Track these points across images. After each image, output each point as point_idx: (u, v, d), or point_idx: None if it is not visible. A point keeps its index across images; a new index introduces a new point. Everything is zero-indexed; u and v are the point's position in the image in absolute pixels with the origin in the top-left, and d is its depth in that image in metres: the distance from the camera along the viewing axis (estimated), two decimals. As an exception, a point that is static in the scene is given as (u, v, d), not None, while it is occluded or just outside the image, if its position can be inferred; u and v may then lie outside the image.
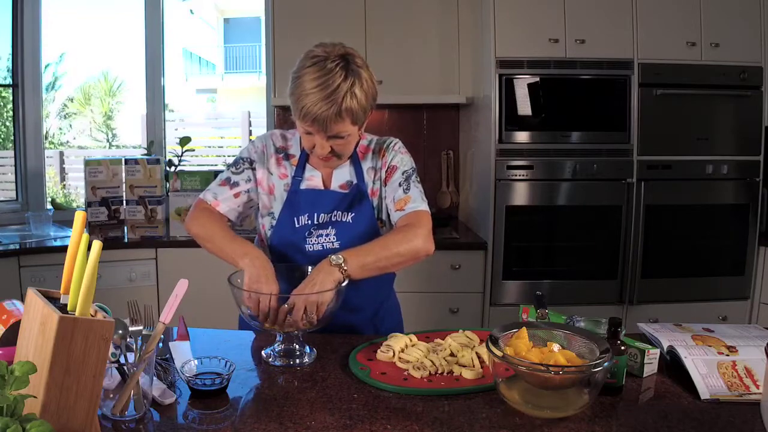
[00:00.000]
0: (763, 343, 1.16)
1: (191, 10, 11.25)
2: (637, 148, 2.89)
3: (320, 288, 1.29)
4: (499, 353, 1.08)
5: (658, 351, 1.29)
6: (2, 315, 1.08)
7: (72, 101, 9.22)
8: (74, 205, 4.03)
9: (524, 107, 2.88)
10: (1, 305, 1.12)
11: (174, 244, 3.00)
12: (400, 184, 1.52)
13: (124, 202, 3.06)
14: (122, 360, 1.08)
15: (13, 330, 1.02)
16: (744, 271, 3.00)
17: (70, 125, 8.96)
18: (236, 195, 1.55)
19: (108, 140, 9.24)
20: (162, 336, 1.20)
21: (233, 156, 1.77)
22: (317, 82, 1.34)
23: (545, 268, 2.99)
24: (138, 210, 3.04)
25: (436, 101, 3.36)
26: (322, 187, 1.55)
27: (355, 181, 1.54)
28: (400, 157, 1.56)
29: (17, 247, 2.83)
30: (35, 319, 0.90)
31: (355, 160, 1.56)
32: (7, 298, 1.15)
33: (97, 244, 0.90)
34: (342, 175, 1.55)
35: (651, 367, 1.27)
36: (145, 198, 3.04)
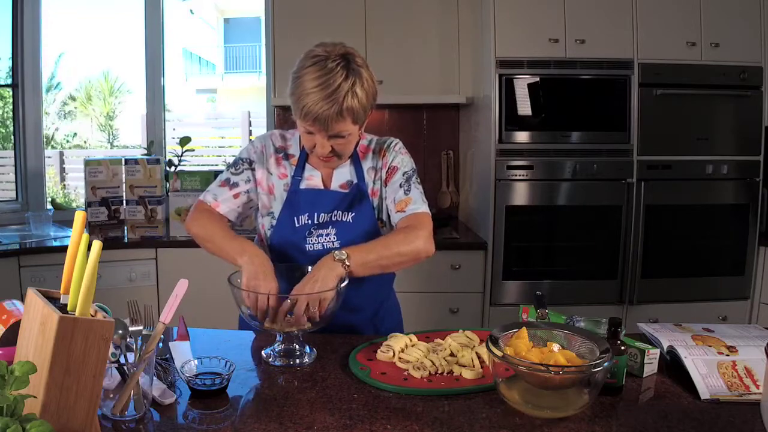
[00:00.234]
0: (763, 343, 1.16)
1: (191, 10, 11.25)
2: (637, 148, 2.89)
3: (322, 284, 1.29)
4: (499, 353, 1.08)
5: (658, 351, 1.29)
6: (2, 315, 1.08)
7: (74, 99, 9.22)
8: (74, 205, 4.04)
9: (524, 107, 2.88)
10: (1, 305, 1.12)
11: (174, 244, 3.00)
12: (400, 185, 1.53)
13: (124, 202, 3.06)
14: (122, 360, 1.08)
15: (13, 330, 1.02)
16: (744, 271, 3.00)
17: (74, 132, 8.96)
18: (236, 195, 1.55)
19: (109, 141, 9.25)
20: (162, 336, 1.20)
21: (233, 156, 1.77)
22: (318, 82, 1.34)
23: (545, 268, 2.99)
24: (138, 210, 3.04)
25: (436, 101, 3.36)
26: (322, 187, 1.55)
27: (355, 181, 1.55)
28: (401, 158, 1.57)
29: (17, 247, 2.83)
30: (35, 319, 0.90)
31: (356, 160, 1.56)
32: (7, 298, 1.15)
33: (97, 244, 0.90)
34: (342, 175, 1.56)
35: (651, 367, 1.27)
36: (145, 198, 3.04)
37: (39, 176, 3.46)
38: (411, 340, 1.38)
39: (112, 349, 1.03)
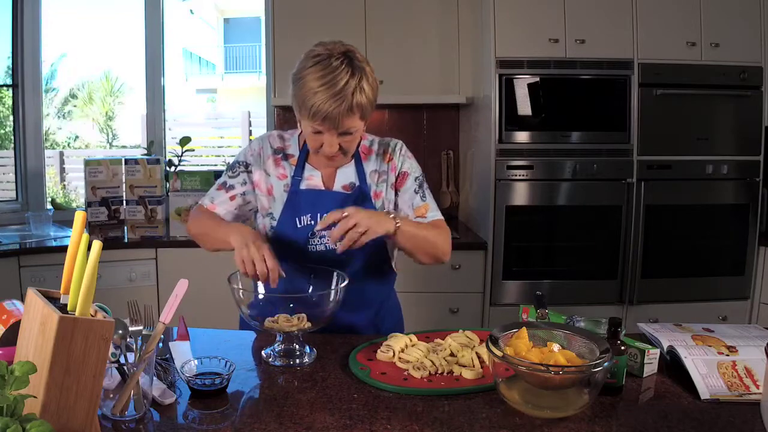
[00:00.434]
0: (763, 343, 1.16)
1: (191, 10, 11.25)
2: (637, 148, 2.89)
3: (377, 220, 1.35)
4: (499, 353, 1.08)
5: (658, 351, 1.29)
6: (2, 315, 1.08)
7: (75, 98, 9.22)
8: (74, 205, 4.03)
9: (524, 107, 2.88)
10: (1, 305, 1.12)
11: (174, 244, 3.00)
12: (415, 191, 1.58)
13: (124, 202, 3.07)
14: (122, 360, 1.08)
15: (13, 330, 1.02)
16: (744, 271, 3.00)
17: (75, 134, 8.96)
18: (232, 198, 1.58)
19: (109, 141, 9.25)
20: (162, 336, 1.20)
21: (233, 156, 1.78)
22: (324, 80, 1.34)
23: (545, 268, 2.99)
24: (138, 210, 3.04)
25: (436, 101, 3.36)
26: (323, 187, 1.55)
27: (357, 183, 1.55)
28: (410, 163, 1.60)
29: (17, 247, 2.83)
30: (35, 319, 0.90)
31: (358, 162, 1.56)
32: (7, 298, 1.15)
33: (97, 244, 0.90)
34: (345, 176, 1.56)
35: (651, 367, 1.27)
36: (145, 198, 3.04)
37: (39, 176, 3.46)
38: (411, 340, 1.38)
39: (112, 349, 1.03)
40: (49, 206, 3.53)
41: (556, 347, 1.15)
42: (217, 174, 3.14)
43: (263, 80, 3.53)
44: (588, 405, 1.09)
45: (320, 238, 1.52)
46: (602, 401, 1.14)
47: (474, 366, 1.26)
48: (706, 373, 1.20)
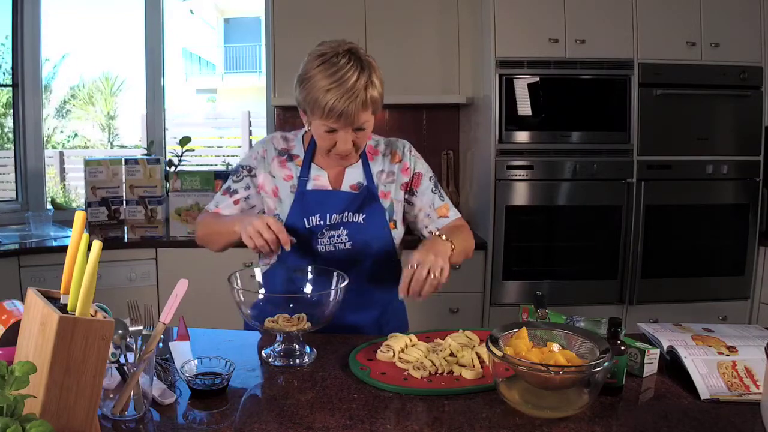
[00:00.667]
0: (763, 343, 1.16)
1: (191, 10, 11.25)
2: (637, 148, 2.89)
3: (440, 253, 1.36)
4: (499, 353, 1.08)
5: (658, 351, 1.29)
6: (2, 315, 1.08)
7: (74, 98, 9.22)
8: (74, 205, 4.03)
9: (524, 107, 2.88)
10: (1, 305, 1.12)
11: (174, 244, 3.00)
12: (432, 191, 1.62)
13: (124, 202, 3.07)
14: (122, 360, 1.08)
15: (13, 330, 1.02)
16: (744, 271, 3.00)
17: (74, 132, 8.96)
18: (236, 202, 1.59)
19: (110, 141, 9.25)
20: (162, 336, 1.20)
21: (233, 156, 1.79)
22: (334, 78, 1.35)
23: (545, 268, 2.99)
24: (138, 210, 3.04)
25: (436, 101, 3.36)
26: (330, 187, 1.55)
27: (365, 183, 1.55)
28: (421, 163, 1.64)
29: (17, 247, 2.83)
30: (35, 319, 0.90)
31: (365, 162, 1.57)
32: (7, 298, 1.15)
33: (97, 244, 0.90)
34: (352, 176, 1.56)
35: (651, 367, 1.27)
36: (145, 198, 3.04)
37: (39, 176, 3.46)
38: (411, 340, 1.38)
39: (112, 349, 1.03)
40: (49, 206, 3.52)
41: (556, 347, 1.15)
42: (217, 174, 3.15)
43: (263, 80, 3.52)
44: (588, 405, 1.09)
45: (329, 237, 1.52)
46: (602, 401, 1.14)
47: (474, 366, 1.26)
48: (706, 373, 1.20)
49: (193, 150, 3.46)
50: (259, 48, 10.47)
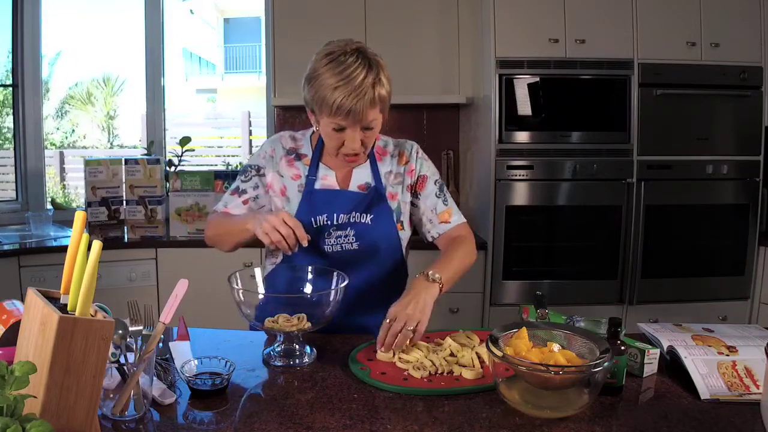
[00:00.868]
0: (763, 343, 1.16)
1: (191, 10, 11.24)
2: (637, 148, 2.89)
3: (423, 308, 1.33)
4: (499, 353, 1.08)
5: (658, 351, 1.29)
6: (2, 315, 1.08)
7: (73, 98, 9.21)
8: (74, 205, 4.03)
9: (524, 107, 2.88)
10: (1, 305, 1.12)
11: (174, 244, 3.00)
12: (437, 195, 1.60)
13: (124, 202, 3.07)
14: (122, 360, 1.08)
15: (13, 330, 1.02)
16: (744, 271, 3.00)
17: (72, 127, 8.96)
18: (244, 202, 1.59)
19: (109, 140, 9.24)
20: (162, 336, 1.20)
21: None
22: (342, 76, 1.35)
23: (545, 268, 2.99)
24: (138, 210, 3.04)
25: (436, 101, 3.36)
26: (338, 187, 1.55)
27: (373, 184, 1.55)
28: (428, 165, 1.63)
29: (17, 247, 2.83)
30: (35, 319, 0.90)
31: (373, 162, 1.57)
32: (7, 298, 1.15)
33: (97, 244, 0.90)
34: (360, 177, 1.56)
35: (651, 367, 1.27)
36: (145, 198, 3.04)
37: (39, 176, 3.46)
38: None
39: (112, 349, 1.03)
40: (49, 206, 3.52)
41: (556, 347, 1.15)
42: (217, 174, 3.14)
43: (263, 80, 3.52)
44: (588, 405, 1.09)
45: (337, 237, 1.52)
46: (602, 401, 1.14)
47: (474, 366, 1.26)
48: (706, 373, 1.20)
49: (193, 150, 3.46)
50: (259, 48, 10.47)
